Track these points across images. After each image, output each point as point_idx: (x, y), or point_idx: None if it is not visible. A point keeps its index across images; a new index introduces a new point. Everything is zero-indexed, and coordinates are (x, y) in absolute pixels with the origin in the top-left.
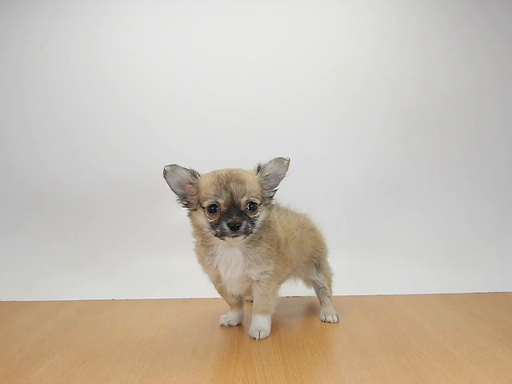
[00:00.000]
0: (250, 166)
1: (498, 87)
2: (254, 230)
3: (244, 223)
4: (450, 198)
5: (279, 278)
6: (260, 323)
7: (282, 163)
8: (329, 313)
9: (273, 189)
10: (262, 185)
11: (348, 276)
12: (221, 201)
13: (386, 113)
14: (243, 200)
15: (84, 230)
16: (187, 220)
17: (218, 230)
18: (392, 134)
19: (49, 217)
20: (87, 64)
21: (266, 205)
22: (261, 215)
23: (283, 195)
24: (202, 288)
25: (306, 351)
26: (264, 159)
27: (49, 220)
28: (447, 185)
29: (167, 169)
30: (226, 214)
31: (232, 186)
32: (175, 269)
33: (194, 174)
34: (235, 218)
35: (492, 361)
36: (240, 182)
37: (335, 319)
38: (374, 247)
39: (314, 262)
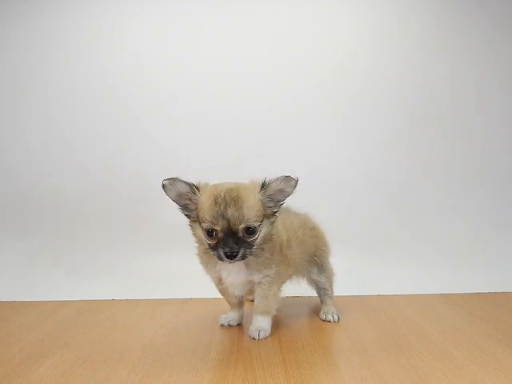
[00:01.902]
0: (251, 167)
1: (498, 87)
2: (253, 251)
3: (241, 251)
4: (450, 198)
5: (281, 279)
6: (260, 323)
7: (290, 182)
8: (329, 312)
9: (278, 204)
10: (264, 203)
11: (348, 276)
12: (218, 228)
13: (386, 113)
14: (241, 227)
15: (84, 230)
16: (187, 220)
17: (216, 254)
18: (392, 133)
19: (49, 217)
20: (87, 64)
21: (268, 219)
22: (262, 230)
23: None
24: (202, 288)
25: (306, 351)
26: (263, 160)
27: (49, 220)
28: (447, 185)
29: (166, 183)
30: (223, 241)
31: (229, 212)
32: (175, 269)
33: (193, 189)
34: (232, 247)
35: (492, 361)
36: (238, 207)
37: (335, 318)
38: (374, 247)
39: (315, 261)
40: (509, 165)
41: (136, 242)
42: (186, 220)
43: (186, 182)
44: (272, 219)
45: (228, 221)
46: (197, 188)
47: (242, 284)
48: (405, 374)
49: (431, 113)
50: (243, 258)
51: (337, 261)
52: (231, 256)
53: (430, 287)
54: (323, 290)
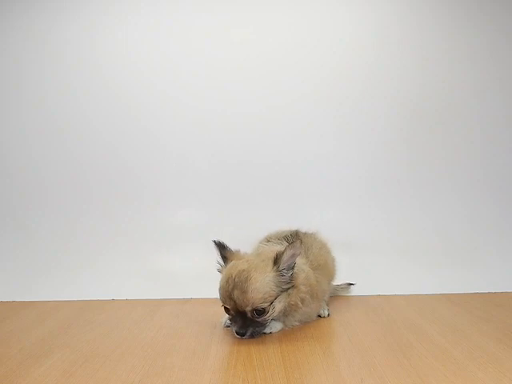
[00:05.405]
0: (251, 167)
1: (498, 87)
2: (265, 330)
3: (249, 331)
4: (450, 198)
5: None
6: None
7: (295, 246)
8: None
9: (290, 270)
10: (278, 279)
11: (348, 276)
12: (228, 307)
13: (386, 113)
14: (247, 309)
15: (84, 229)
16: (187, 220)
17: (232, 328)
18: (392, 133)
19: (49, 216)
20: (87, 64)
21: (286, 291)
22: (277, 306)
23: (285, 194)
24: (202, 288)
25: (305, 351)
26: (263, 160)
27: (49, 220)
28: (447, 184)
29: (214, 241)
30: (234, 319)
31: (235, 294)
32: (175, 269)
33: (221, 264)
34: (239, 328)
35: (492, 361)
36: (243, 291)
37: (326, 314)
38: (374, 247)
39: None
40: (509, 165)
41: (136, 242)
42: (186, 219)
43: (220, 252)
44: (290, 291)
45: (235, 302)
46: (226, 258)
47: None
48: (405, 375)
49: (431, 112)
50: (253, 337)
51: (337, 261)
52: (240, 334)
53: (429, 287)
54: None
